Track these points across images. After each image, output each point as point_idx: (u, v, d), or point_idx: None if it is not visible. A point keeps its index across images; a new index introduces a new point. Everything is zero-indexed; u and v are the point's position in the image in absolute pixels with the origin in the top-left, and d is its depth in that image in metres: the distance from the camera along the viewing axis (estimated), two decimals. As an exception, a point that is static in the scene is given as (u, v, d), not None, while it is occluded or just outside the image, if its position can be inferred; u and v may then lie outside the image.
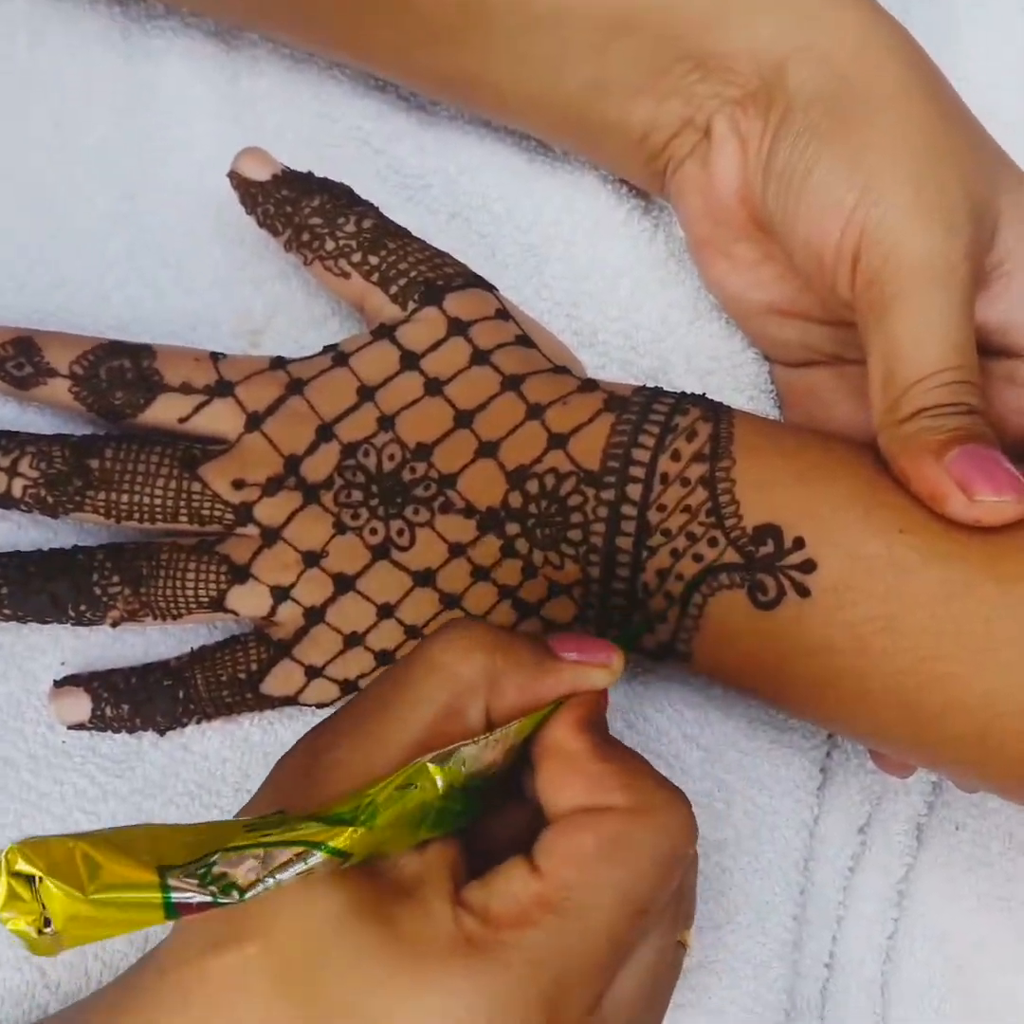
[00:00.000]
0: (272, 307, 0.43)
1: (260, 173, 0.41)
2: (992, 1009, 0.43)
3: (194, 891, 0.27)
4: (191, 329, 0.43)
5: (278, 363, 0.40)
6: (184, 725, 0.40)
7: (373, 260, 0.40)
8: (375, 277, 0.40)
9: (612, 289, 0.44)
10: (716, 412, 0.38)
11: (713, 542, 0.36)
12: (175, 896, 0.27)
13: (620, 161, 0.43)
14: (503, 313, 0.40)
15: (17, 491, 0.39)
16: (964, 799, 0.44)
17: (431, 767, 0.30)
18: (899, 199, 0.36)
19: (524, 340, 0.40)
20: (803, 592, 0.36)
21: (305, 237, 0.40)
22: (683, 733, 0.42)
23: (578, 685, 0.32)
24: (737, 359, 0.44)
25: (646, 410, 0.38)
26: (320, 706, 0.40)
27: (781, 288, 0.41)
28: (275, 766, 0.33)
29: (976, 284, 0.37)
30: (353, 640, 0.39)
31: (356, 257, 0.40)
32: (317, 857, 0.28)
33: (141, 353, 0.39)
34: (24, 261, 0.42)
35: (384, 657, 0.39)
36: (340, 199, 0.41)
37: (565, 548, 0.38)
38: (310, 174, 0.41)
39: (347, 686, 0.39)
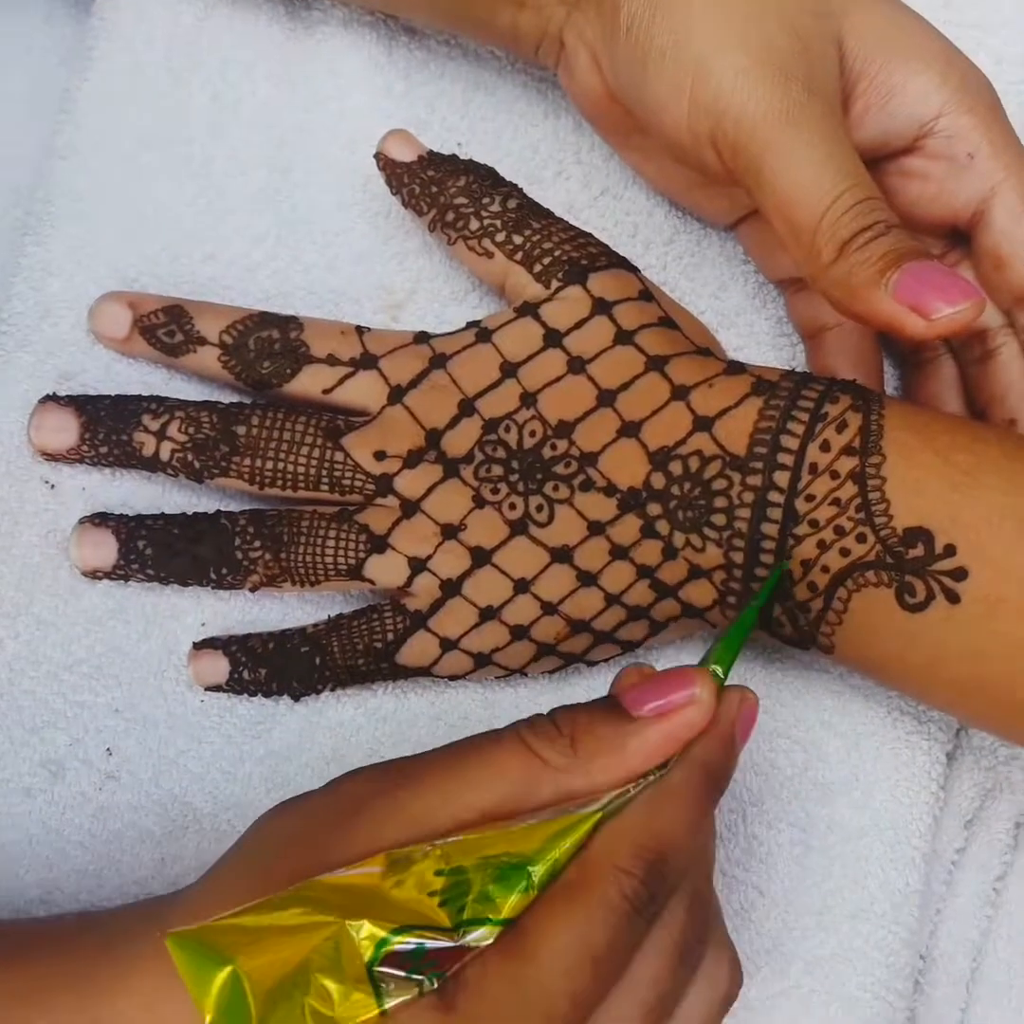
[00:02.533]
0: (414, 282, 0.44)
1: (406, 154, 0.41)
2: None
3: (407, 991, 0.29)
4: (335, 303, 0.43)
5: (422, 338, 0.40)
6: (319, 691, 0.40)
7: (517, 239, 0.40)
8: (519, 256, 0.40)
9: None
10: (867, 402, 0.37)
11: (862, 538, 0.36)
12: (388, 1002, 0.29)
13: (518, 54, 0.43)
14: (646, 294, 0.40)
15: (165, 454, 0.40)
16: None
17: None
18: (728, 66, 0.36)
19: (667, 321, 0.40)
20: (953, 598, 0.35)
21: (449, 217, 0.41)
22: (821, 720, 0.42)
23: (671, 738, 0.32)
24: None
25: (795, 396, 0.37)
26: (453, 678, 0.40)
27: (688, 169, 0.41)
28: (286, 811, 0.33)
29: (836, 111, 0.37)
30: (488, 613, 0.39)
31: (500, 237, 0.40)
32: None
33: (289, 324, 0.40)
34: (177, 232, 0.43)
35: (519, 631, 0.39)
36: (485, 179, 0.41)
37: (708, 531, 0.37)
38: (455, 156, 0.42)
39: (480, 659, 0.39)
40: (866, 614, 0.36)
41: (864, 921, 0.41)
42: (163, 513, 0.41)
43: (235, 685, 0.40)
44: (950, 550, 0.35)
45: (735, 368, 0.39)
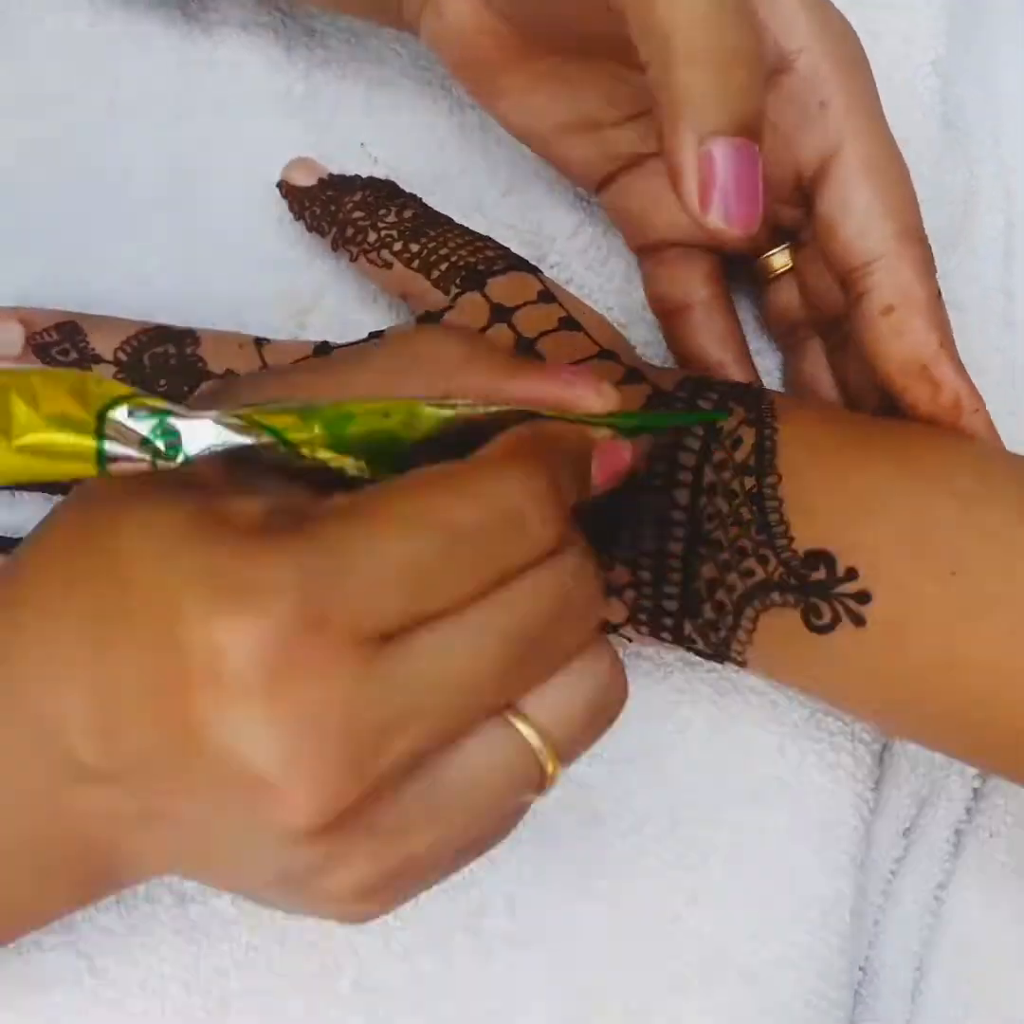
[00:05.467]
0: (320, 287, 0.43)
1: (307, 179, 0.42)
2: None
3: (133, 447, 0.25)
4: (239, 311, 0.42)
5: (323, 349, 0.39)
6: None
7: (414, 247, 0.40)
8: (416, 264, 0.40)
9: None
10: (760, 417, 0.36)
11: (763, 560, 0.35)
12: (110, 447, 0.25)
13: (383, 22, 0.41)
14: (547, 295, 0.39)
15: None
16: (1002, 807, 0.42)
17: (426, 407, 0.28)
18: None
19: (569, 323, 0.39)
20: (858, 621, 0.34)
21: (348, 232, 0.41)
22: (750, 719, 0.41)
23: (553, 394, 0.30)
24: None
25: (691, 407, 0.36)
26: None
27: (560, 106, 0.39)
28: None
29: None
30: None
31: (397, 246, 0.40)
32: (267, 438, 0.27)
33: (185, 339, 0.39)
34: (71, 243, 0.42)
35: None
36: (381, 192, 0.41)
37: (613, 550, 0.37)
38: (356, 176, 0.42)
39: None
40: (775, 633, 0.35)
41: (796, 928, 0.41)
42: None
43: None
44: (852, 574, 0.34)
45: (633, 376, 0.38)
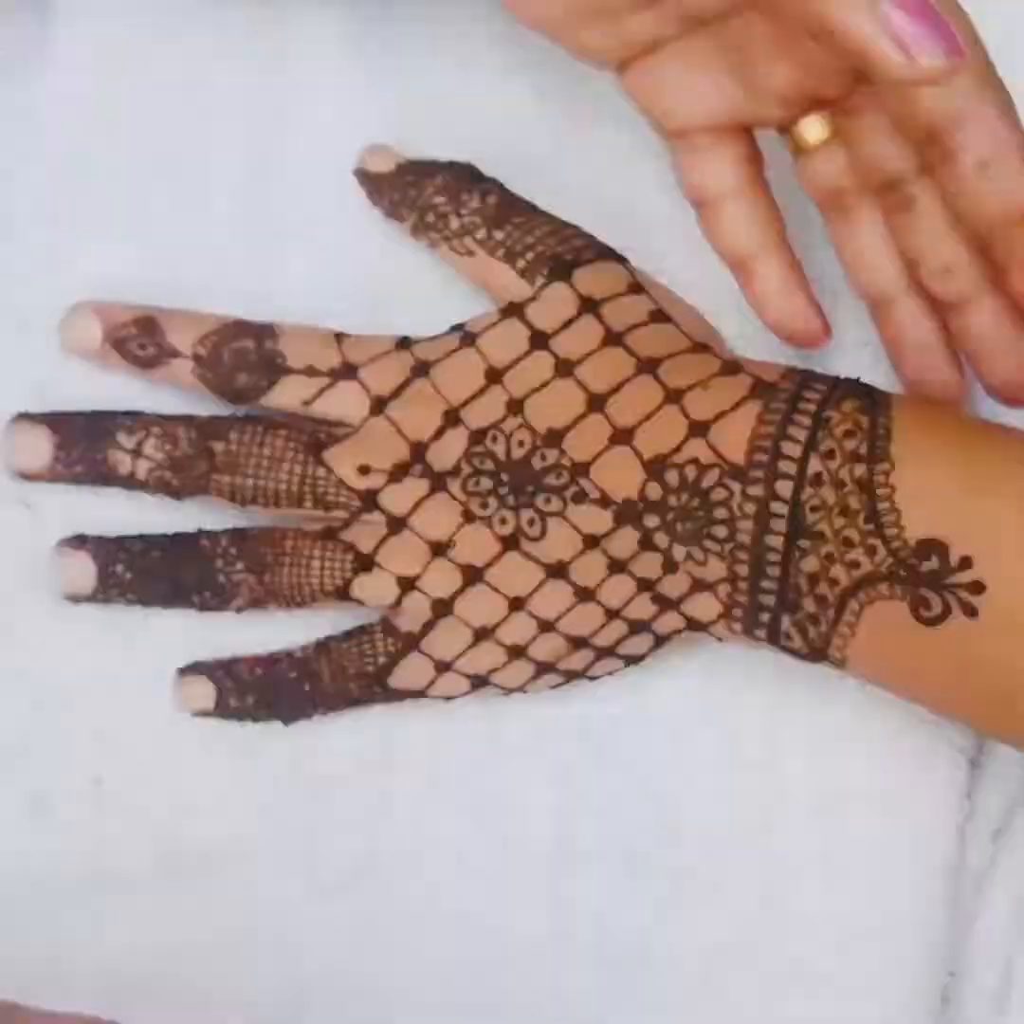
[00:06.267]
0: (400, 279, 0.41)
1: (384, 166, 0.40)
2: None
3: None
4: (316, 304, 0.41)
5: (404, 343, 0.38)
6: (309, 716, 0.39)
7: (498, 235, 0.38)
8: (500, 252, 0.38)
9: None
10: (874, 404, 0.35)
11: (872, 551, 0.34)
12: None
13: None
14: (636, 287, 0.38)
15: (141, 473, 0.38)
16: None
17: None
18: None
19: (660, 316, 0.38)
20: (971, 612, 0.33)
21: (429, 218, 0.39)
22: (839, 730, 0.40)
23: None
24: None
25: (796, 398, 0.35)
26: (449, 699, 0.38)
27: None
28: None
29: None
30: (483, 633, 0.37)
31: (480, 233, 0.39)
32: None
33: (264, 334, 0.38)
34: (149, 234, 0.41)
35: (516, 651, 0.37)
36: (464, 176, 0.39)
37: (709, 544, 0.35)
38: (435, 160, 0.40)
39: (477, 680, 0.38)
40: (879, 627, 0.34)
41: (889, 936, 0.40)
42: (143, 534, 0.39)
43: (223, 711, 0.39)
44: (966, 563, 0.33)
45: (731, 368, 0.36)
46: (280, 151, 0.42)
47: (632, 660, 0.38)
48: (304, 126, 0.42)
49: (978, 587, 0.33)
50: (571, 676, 0.38)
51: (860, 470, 0.34)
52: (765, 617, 0.36)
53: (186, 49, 0.42)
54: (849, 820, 0.40)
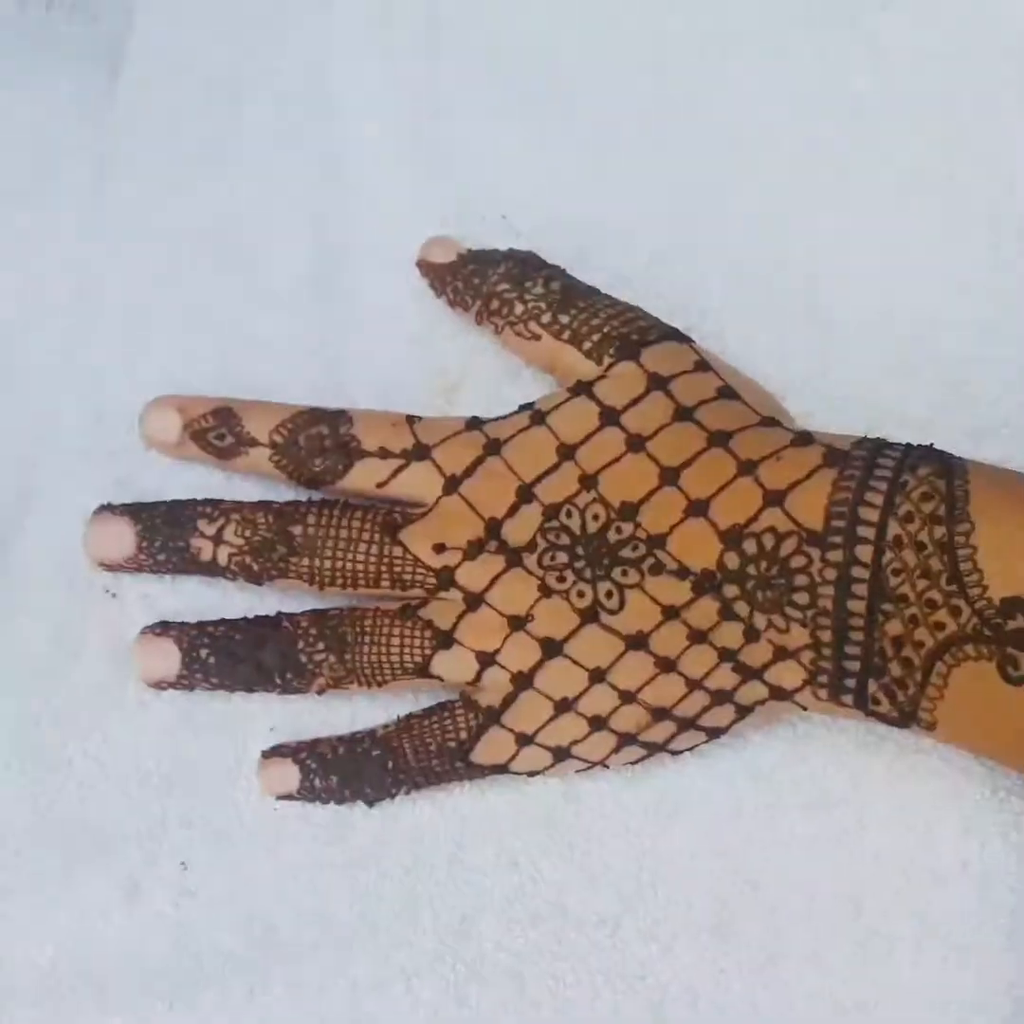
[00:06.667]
0: (467, 363, 0.43)
1: (446, 256, 0.42)
2: None
3: None
4: (387, 390, 0.42)
5: (474, 423, 0.39)
6: (393, 796, 0.39)
7: (563, 319, 0.39)
8: (566, 335, 0.39)
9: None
10: (949, 467, 0.35)
11: (956, 611, 0.34)
12: None
13: None
14: (703, 365, 0.39)
15: (223, 559, 0.39)
16: None
17: None
18: None
19: (727, 392, 0.38)
20: None
21: (494, 305, 0.40)
22: (929, 804, 0.39)
23: None
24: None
25: (870, 464, 0.35)
26: (532, 774, 0.38)
27: None
28: None
29: None
30: (564, 706, 0.37)
31: (546, 318, 0.39)
32: None
33: (338, 419, 0.39)
34: (221, 326, 0.43)
35: (598, 722, 0.37)
36: (526, 264, 0.40)
37: (790, 611, 0.35)
38: (495, 250, 0.41)
39: (559, 753, 0.38)
40: (967, 688, 0.34)
41: (984, 1017, 0.39)
42: (224, 619, 0.40)
43: (306, 793, 0.39)
44: None
45: (803, 439, 0.37)
46: (342, 244, 0.44)
47: (715, 732, 0.38)
48: (366, 219, 0.44)
49: None
50: (652, 749, 0.38)
51: (940, 532, 0.34)
52: (851, 683, 0.35)
53: (247, 145, 0.44)
54: (944, 896, 0.39)
